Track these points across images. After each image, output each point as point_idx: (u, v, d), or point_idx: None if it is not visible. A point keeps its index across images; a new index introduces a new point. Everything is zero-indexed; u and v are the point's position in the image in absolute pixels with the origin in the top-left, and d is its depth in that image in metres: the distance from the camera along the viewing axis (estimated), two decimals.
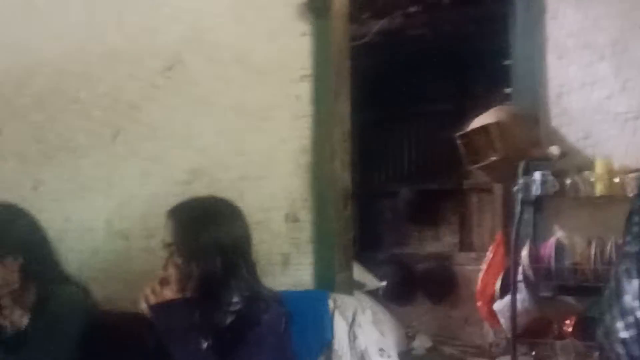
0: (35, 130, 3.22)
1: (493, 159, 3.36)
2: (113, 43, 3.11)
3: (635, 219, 1.29)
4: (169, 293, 2.19)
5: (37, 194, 3.14)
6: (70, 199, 3.12)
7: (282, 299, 2.29)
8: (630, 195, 3.12)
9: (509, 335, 3.31)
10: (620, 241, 3.07)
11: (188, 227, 2.23)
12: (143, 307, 2.21)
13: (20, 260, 2.39)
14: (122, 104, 3.09)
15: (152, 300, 2.19)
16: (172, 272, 2.21)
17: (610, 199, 3.16)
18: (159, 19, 3.07)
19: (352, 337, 2.55)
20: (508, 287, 3.31)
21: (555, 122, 3.44)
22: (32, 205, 2.57)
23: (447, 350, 5.63)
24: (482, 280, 3.69)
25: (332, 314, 2.57)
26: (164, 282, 2.21)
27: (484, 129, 3.41)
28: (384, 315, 2.75)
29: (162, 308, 2.18)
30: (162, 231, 2.27)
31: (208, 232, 2.20)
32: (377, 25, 5.46)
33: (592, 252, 3.11)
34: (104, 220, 3.07)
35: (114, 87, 3.11)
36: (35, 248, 2.46)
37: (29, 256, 2.40)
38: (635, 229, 1.28)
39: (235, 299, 2.19)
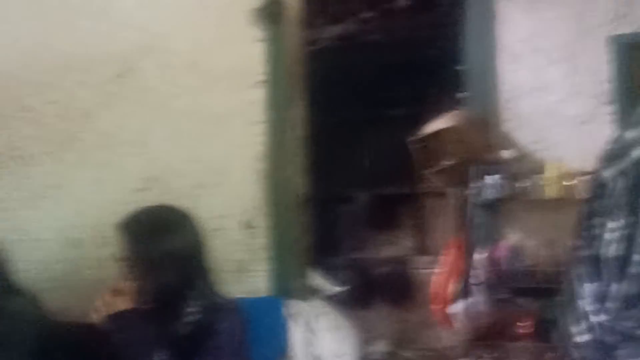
0: None
1: (447, 163, 3.39)
2: (64, 50, 3.07)
3: (585, 223, 1.30)
4: (123, 303, 2.16)
5: None
6: (20, 208, 3.06)
7: (240, 308, 2.28)
8: (580, 198, 3.16)
9: (465, 338, 3.33)
10: (570, 244, 3.12)
11: (138, 240, 2.20)
12: (96, 317, 2.19)
13: None
14: (73, 112, 3.05)
15: (106, 310, 2.16)
16: (125, 284, 2.19)
17: (561, 201, 3.20)
18: (111, 25, 3.04)
19: (309, 344, 2.54)
20: (463, 290, 3.34)
21: (507, 126, 3.48)
22: None
23: (406, 354, 5.65)
24: (437, 284, 3.72)
25: (288, 321, 2.56)
26: (117, 292, 2.19)
27: (437, 133, 3.44)
28: (340, 321, 2.74)
29: (117, 319, 2.15)
30: (115, 240, 2.24)
31: (159, 244, 2.18)
32: (332, 30, 5.48)
33: (545, 254, 3.16)
34: (56, 229, 3.02)
35: (65, 95, 3.07)
36: None
37: None
38: (585, 233, 1.30)
39: (191, 309, 2.17)
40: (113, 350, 2.16)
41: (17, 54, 3.12)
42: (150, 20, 2.99)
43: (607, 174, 1.27)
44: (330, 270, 4.95)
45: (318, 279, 3.15)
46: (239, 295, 2.50)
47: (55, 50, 3.09)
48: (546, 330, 3.23)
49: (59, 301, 2.84)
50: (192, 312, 2.17)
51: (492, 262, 3.23)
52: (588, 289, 1.28)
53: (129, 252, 2.20)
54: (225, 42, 2.88)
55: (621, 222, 1.21)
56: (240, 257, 2.77)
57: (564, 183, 3.20)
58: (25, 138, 3.10)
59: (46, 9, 3.12)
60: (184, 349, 2.15)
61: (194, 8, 2.94)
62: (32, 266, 2.91)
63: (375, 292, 6.15)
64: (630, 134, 1.27)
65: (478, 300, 3.28)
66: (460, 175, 3.37)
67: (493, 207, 3.36)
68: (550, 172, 3.21)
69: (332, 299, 3.15)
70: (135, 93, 2.99)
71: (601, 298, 1.25)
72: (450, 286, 3.51)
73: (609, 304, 1.23)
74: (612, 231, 1.22)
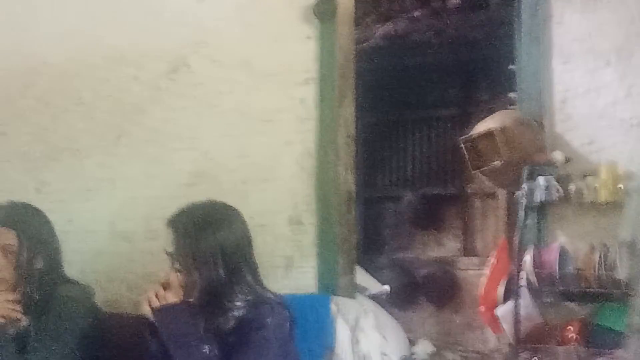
0: (38, 132, 3.22)
1: (497, 163, 3.35)
2: (117, 45, 3.12)
3: None
4: (172, 297, 2.19)
5: (40, 195, 3.13)
6: (73, 201, 3.12)
7: (286, 303, 2.28)
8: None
9: (512, 341, 3.29)
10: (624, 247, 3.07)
11: (187, 235, 2.22)
12: (146, 310, 2.21)
13: (43, 262, 2.40)
14: (126, 106, 3.10)
15: (155, 303, 2.19)
16: (174, 278, 2.21)
17: (614, 205, 3.14)
18: (164, 21, 3.08)
19: (355, 341, 2.55)
20: (511, 292, 3.30)
21: (559, 127, 3.42)
22: (36, 206, 2.58)
23: (449, 355, 5.61)
24: (485, 286, 3.68)
25: (335, 318, 2.56)
26: (166, 285, 2.21)
27: (488, 133, 3.40)
28: (386, 320, 2.74)
29: (166, 311, 2.17)
30: (164, 233, 2.27)
31: (207, 239, 2.20)
32: (382, 29, 5.46)
33: (596, 258, 3.10)
34: (107, 222, 3.07)
35: (118, 89, 3.11)
36: (48, 246, 2.47)
37: (44, 253, 2.42)
38: None
39: (238, 303, 2.19)
40: (161, 343, 2.18)
41: (72, 48, 3.18)
42: (202, 16, 3.02)
43: None
44: (376, 268, 4.95)
45: (365, 277, 3.15)
46: (286, 291, 2.51)
47: (109, 45, 3.14)
48: (594, 334, 3.18)
49: (109, 292, 2.90)
50: (238, 306, 2.19)
51: (541, 264, 3.18)
52: None
53: (178, 246, 2.23)
54: (276, 39, 2.89)
55: None
56: (288, 254, 2.78)
57: (617, 186, 3.14)
58: (79, 131, 3.16)
59: (101, 4, 3.17)
60: (230, 343, 2.16)
61: (246, 5, 2.96)
62: (83, 257, 2.96)
63: (421, 292, 6.12)
64: None
65: (526, 303, 3.24)
66: (511, 177, 3.33)
67: (543, 209, 3.31)
68: (603, 175, 3.15)
69: (379, 298, 3.15)
70: (186, 89, 3.02)
71: None
72: (498, 288, 3.47)
73: None
74: None
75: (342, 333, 2.54)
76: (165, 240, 2.26)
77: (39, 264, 2.42)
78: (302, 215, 2.78)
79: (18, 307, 2.33)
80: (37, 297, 2.38)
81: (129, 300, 2.88)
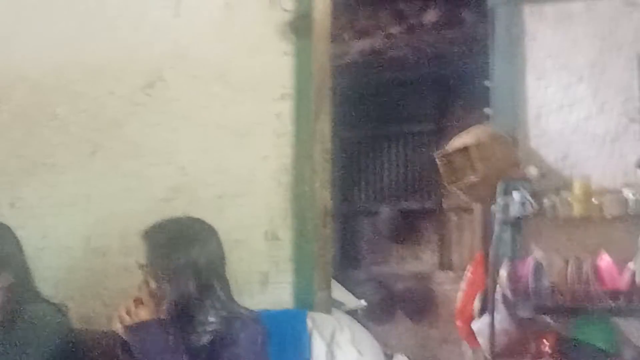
0: (13, 146, 3.19)
1: (472, 179, 3.37)
2: (94, 59, 3.10)
3: None
4: (144, 313, 2.18)
5: (15, 210, 3.10)
6: (48, 216, 3.09)
7: (260, 318, 2.28)
8: (608, 216, 3.14)
9: (488, 355, 3.31)
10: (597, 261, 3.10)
11: (161, 249, 2.23)
12: (118, 327, 2.20)
13: (10, 279, 2.37)
14: (102, 121, 3.08)
15: (127, 320, 2.18)
16: (146, 293, 2.20)
17: (588, 219, 3.18)
18: (141, 35, 3.07)
19: (331, 357, 2.54)
20: (486, 306, 3.31)
21: (533, 142, 3.46)
22: (10, 221, 2.55)
23: None
24: (461, 300, 3.70)
25: (311, 333, 2.56)
26: (138, 302, 2.21)
27: (463, 149, 3.43)
28: (362, 335, 2.73)
29: (138, 328, 2.17)
30: (140, 250, 2.26)
31: (181, 253, 2.20)
32: (358, 45, 5.49)
33: (569, 272, 3.13)
34: (81, 237, 3.04)
35: (94, 104, 3.10)
36: (17, 266, 2.44)
37: (13, 274, 2.39)
38: None
39: (210, 319, 2.19)
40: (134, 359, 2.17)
41: (48, 62, 3.16)
42: (179, 31, 3.02)
43: None
44: (353, 283, 4.95)
45: (341, 292, 3.14)
46: (262, 307, 2.51)
47: (85, 60, 3.12)
48: (571, 349, 3.20)
49: (83, 309, 2.87)
50: (210, 322, 2.19)
51: (517, 278, 3.21)
52: None
53: (150, 259, 2.23)
54: (253, 54, 2.90)
55: None
56: (264, 269, 2.78)
57: (591, 201, 3.17)
58: (54, 146, 3.13)
59: (78, 20, 3.16)
60: (203, 359, 2.15)
61: (223, 20, 2.96)
62: (58, 273, 2.94)
63: (397, 307, 6.14)
64: None
65: (501, 317, 3.25)
66: (486, 191, 3.36)
67: (518, 223, 3.34)
68: (576, 190, 3.19)
69: (355, 312, 3.15)
70: (163, 103, 3.01)
71: None
72: (474, 302, 3.49)
73: None
74: None
75: (318, 348, 2.54)
76: (140, 255, 2.25)
77: (7, 282, 2.38)
78: (278, 231, 2.78)
79: None
80: (5, 315, 2.35)
81: (104, 316, 2.85)
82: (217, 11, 2.96)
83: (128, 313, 2.19)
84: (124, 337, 2.20)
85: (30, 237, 2.55)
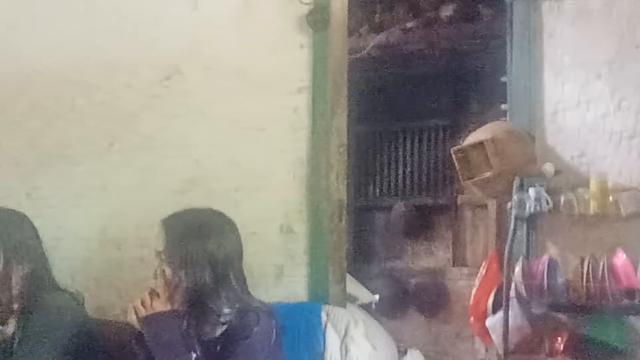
0: (31, 138, 3.22)
1: (488, 174, 3.37)
2: (111, 52, 3.12)
3: None
4: (159, 305, 2.19)
5: (31, 201, 3.13)
6: (64, 207, 3.11)
7: (274, 311, 2.28)
8: (624, 214, 3.13)
9: (501, 352, 3.30)
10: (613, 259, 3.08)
11: (179, 237, 2.23)
12: (132, 318, 2.21)
13: (28, 268, 2.39)
14: (118, 113, 3.10)
15: (142, 312, 2.19)
16: (161, 281, 2.22)
17: (603, 217, 3.17)
18: (159, 29, 3.08)
19: (344, 350, 2.55)
20: (500, 303, 3.31)
21: (550, 139, 3.45)
22: (27, 212, 2.57)
23: None
24: (475, 296, 3.69)
25: (325, 327, 2.57)
26: (153, 293, 2.21)
27: (479, 144, 3.42)
28: (376, 329, 2.73)
29: (152, 320, 2.18)
30: (155, 241, 2.27)
31: (198, 243, 2.20)
32: (375, 39, 5.48)
33: (585, 270, 3.12)
34: (98, 228, 3.07)
35: (111, 96, 3.11)
36: (35, 255, 2.45)
37: (28, 259, 2.40)
38: None
39: (225, 310, 2.19)
40: (148, 351, 2.18)
41: (65, 55, 3.18)
42: (196, 25, 3.03)
43: None
44: (367, 278, 4.95)
45: (355, 286, 3.15)
46: (276, 300, 2.52)
47: (103, 52, 3.14)
48: (584, 346, 3.19)
49: (99, 299, 2.89)
50: (225, 313, 2.19)
51: (531, 276, 3.20)
52: None
53: (167, 246, 2.23)
54: (270, 48, 2.90)
55: None
56: (279, 262, 2.78)
57: (607, 198, 3.16)
58: (72, 138, 3.16)
59: (96, 13, 3.17)
60: (217, 352, 2.16)
61: (240, 14, 2.97)
62: (74, 263, 2.96)
63: (411, 302, 6.14)
64: None
65: (515, 314, 3.25)
66: (501, 188, 3.35)
67: (533, 220, 3.33)
68: (593, 187, 3.18)
69: (369, 307, 3.15)
70: (180, 97, 3.02)
71: None
72: (488, 299, 3.48)
73: None
74: None
75: (332, 342, 2.54)
76: (156, 245, 2.26)
77: (24, 270, 2.40)
78: (294, 224, 2.78)
79: None
80: (23, 303, 2.36)
81: (119, 307, 2.87)
82: (235, 5, 2.96)
83: (143, 305, 2.20)
84: (138, 329, 2.21)
85: (46, 228, 2.56)
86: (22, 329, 2.33)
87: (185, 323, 2.16)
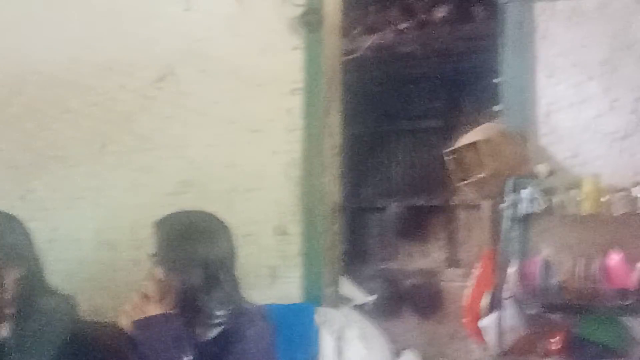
0: (25, 139, 3.21)
1: (481, 175, 3.37)
2: (106, 53, 3.12)
3: None
4: (150, 308, 2.18)
5: (25, 202, 3.13)
6: (58, 209, 3.11)
7: (267, 313, 2.28)
8: (617, 215, 3.14)
9: (495, 352, 3.31)
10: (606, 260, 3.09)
11: (172, 239, 2.23)
12: (124, 323, 2.21)
13: (22, 271, 2.38)
14: (113, 114, 3.10)
15: (133, 316, 2.19)
16: (153, 284, 2.21)
17: (597, 217, 3.17)
18: (153, 30, 3.08)
19: (338, 352, 2.55)
20: (494, 304, 3.31)
21: (543, 140, 3.45)
22: (20, 214, 2.56)
23: None
24: (469, 297, 3.69)
25: (319, 328, 2.57)
26: (144, 297, 2.21)
27: (473, 145, 3.42)
28: (370, 330, 2.74)
29: (143, 324, 2.17)
30: (149, 242, 2.27)
31: (191, 245, 2.20)
32: (369, 40, 5.48)
33: (578, 270, 3.13)
34: (92, 230, 3.06)
35: (105, 98, 3.11)
36: (28, 258, 2.44)
37: (24, 266, 2.39)
38: None
39: (218, 312, 2.19)
40: (141, 354, 2.18)
41: (61, 57, 3.18)
42: (190, 26, 3.03)
43: None
44: (361, 279, 4.95)
45: (349, 288, 3.15)
46: (270, 301, 2.52)
47: (97, 54, 3.14)
48: (578, 346, 3.20)
49: (93, 301, 2.88)
50: (218, 316, 2.19)
51: (525, 276, 3.20)
52: None
53: (160, 248, 2.23)
54: (264, 49, 2.91)
55: None
56: (273, 263, 2.79)
57: (600, 199, 3.16)
58: (66, 139, 3.16)
59: (90, 15, 3.17)
60: (210, 354, 2.16)
61: (234, 15, 2.97)
62: (68, 265, 2.95)
63: (405, 303, 6.14)
64: None
65: (510, 314, 3.25)
66: (495, 189, 3.35)
67: (527, 221, 3.34)
68: (586, 188, 3.18)
69: (363, 308, 3.15)
70: (175, 98, 3.02)
71: None
72: (482, 299, 3.48)
73: None
74: None
75: (326, 343, 2.54)
76: (149, 247, 2.26)
77: (17, 274, 2.39)
78: (288, 225, 2.79)
79: None
80: (16, 307, 2.36)
81: (112, 308, 2.86)
82: (228, 6, 2.97)
83: (134, 308, 2.19)
84: (130, 334, 2.20)
85: (40, 230, 2.55)
86: (16, 333, 2.32)
87: (176, 326, 2.16)
